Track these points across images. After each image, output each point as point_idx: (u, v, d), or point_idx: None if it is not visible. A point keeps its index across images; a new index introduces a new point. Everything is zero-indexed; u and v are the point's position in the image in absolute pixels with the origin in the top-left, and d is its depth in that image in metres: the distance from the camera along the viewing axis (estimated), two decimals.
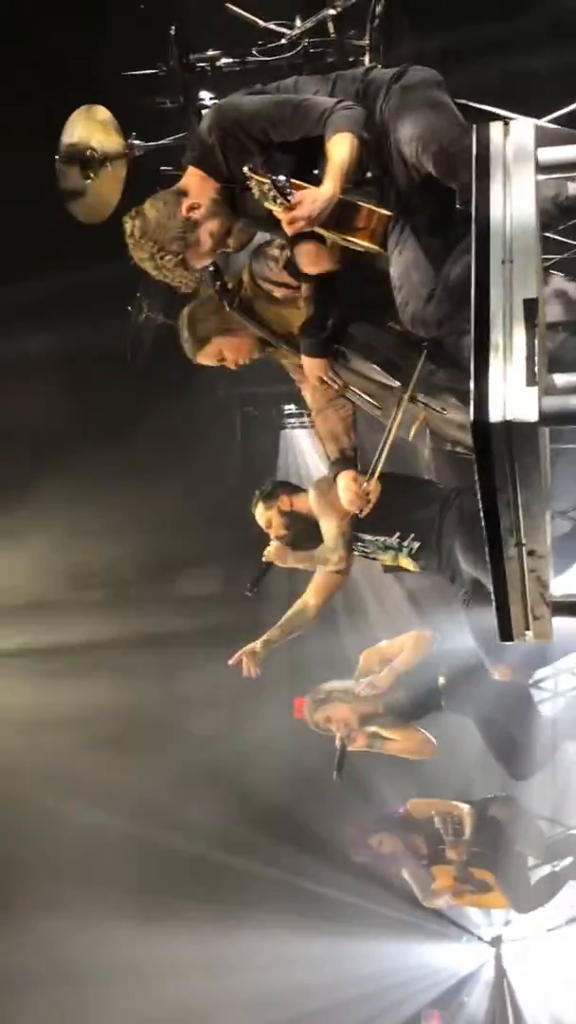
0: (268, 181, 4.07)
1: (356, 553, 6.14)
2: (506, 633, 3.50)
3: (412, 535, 5.98)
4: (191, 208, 4.41)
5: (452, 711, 7.19)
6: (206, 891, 8.80)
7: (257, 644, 6.21)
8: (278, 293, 5.27)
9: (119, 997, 8.72)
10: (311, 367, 5.19)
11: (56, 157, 6.00)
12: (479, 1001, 9.13)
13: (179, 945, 8.67)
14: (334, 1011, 8.92)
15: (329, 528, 5.90)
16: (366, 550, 6.13)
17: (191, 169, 4.50)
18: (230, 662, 6.22)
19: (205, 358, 5.57)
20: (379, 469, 5.37)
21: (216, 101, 6.24)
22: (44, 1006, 8.53)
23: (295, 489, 6.33)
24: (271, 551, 6.09)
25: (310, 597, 6.23)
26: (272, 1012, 8.80)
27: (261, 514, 6.22)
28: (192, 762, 9.08)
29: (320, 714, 7.03)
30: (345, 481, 5.45)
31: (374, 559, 6.24)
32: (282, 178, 4.08)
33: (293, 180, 4.16)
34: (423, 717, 7.19)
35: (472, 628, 6.17)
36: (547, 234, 4.89)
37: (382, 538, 6.02)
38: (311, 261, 4.87)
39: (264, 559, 6.10)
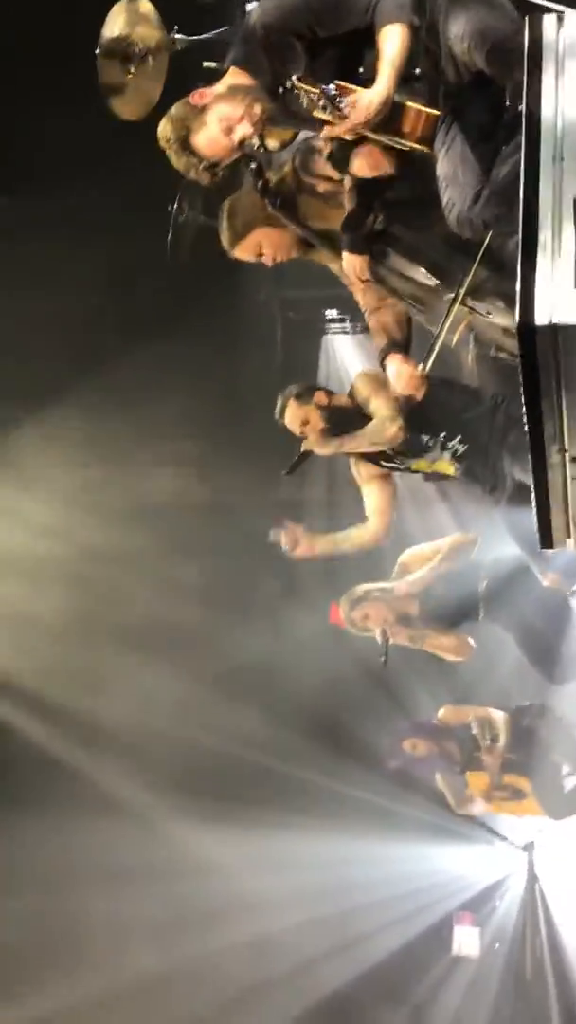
0: (318, 91, 3.98)
1: (390, 464, 6.08)
2: (547, 540, 3.47)
3: (459, 436, 5.91)
4: (200, 95, 4.31)
5: (490, 621, 7.17)
6: (234, 791, 8.91)
7: (303, 529, 6.13)
8: (321, 187, 5.18)
9: (168, 893, 8.94)
10: (351, 264, 5.10)
11: (96, 51, 5.88)
12: (511, 905, 9.22)
13: (206, 844, 8.87)
14: (368, 910, 9.08)
15: (385, 401, 5.79)
16: (404, 456, 6.05)
17: (233, 69, 4.40)
18: (272, 537, 6.14)
19: (243, 251, 5.47)
20: (431, 360, 5.28)
21: None
22: (100, 900, 8.83)
23: (329, 392, 6.23)
24: (310, 439, 5.96)
25: (374, 519, 6.13)
26: (308, 911, 8.99)
27: (294, 414, 6.04)
28: (230, 667, 9.15)
29: (357, 612, 6.99)
30: (397, 364, 5.39)
31: (407, 469, 6.16)
32: (331, 87, 3.99)
33: (340, 83, 4.07)
34: (459, 624, 7.18)
35: (516, 535, 6.13)
36: None
37: (426, 436, 5.94)
38: (370, 165, 4.75)
39: (303, 447, 5.99)
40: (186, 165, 4.44)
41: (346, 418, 5.97)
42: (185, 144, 4.35)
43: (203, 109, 4.31)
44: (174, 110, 4.42)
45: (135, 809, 8.80)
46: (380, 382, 5.76)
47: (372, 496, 6.21)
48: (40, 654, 8.84)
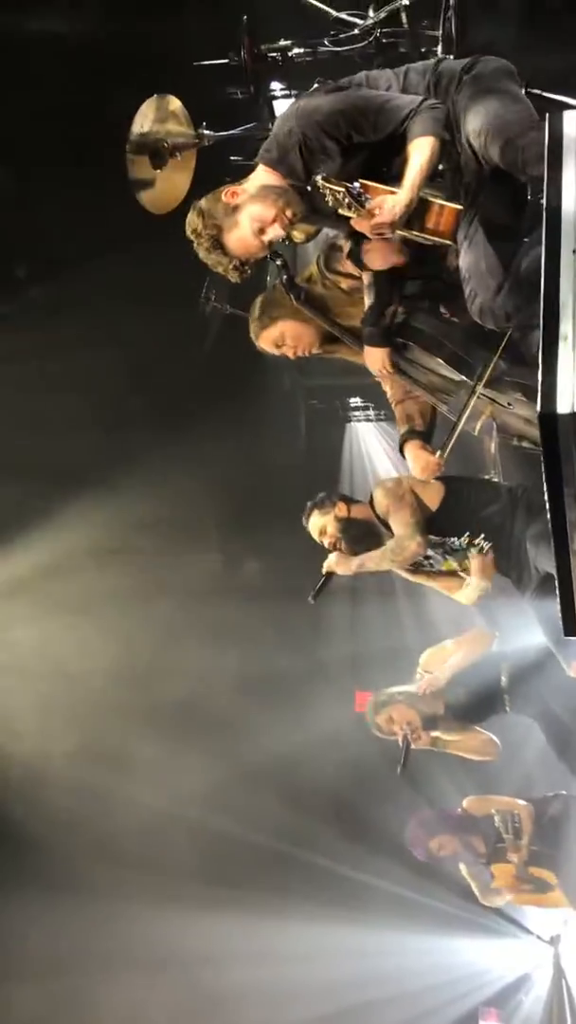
0: (343, 190, 4.06)
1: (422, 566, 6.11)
2: (571, 627, 3.47)
3: (483, 534, 5.94)
4: (232, 194, 4.39)
5: (516, 712, 7.14)
6: (263, 880, 8.83)
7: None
8: (345, 284, 5.26)
9: (173, 983, 8.82)
10: (371, 357, 5.18)
11: (126, 147, 6.00)
12: (537, 1000, 9.04)
13: (235, 933, 8.72)
14: (392, 1004, 8.92)
15: (403, 518, 5.85)
16: (430, 558, 6.09)
17: (262, 167, 4.48)
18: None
19: (266, 342, 5.54)
20: (449, 448, 5.35)
21: (287, 95, 6.23)
22: (117, 987, 8.72)
23: (351, 499, 6.30)
24: (332, 560, 6.05)
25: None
26: (329, 1003, 8.84)
27: (315, 523, 6.16)
28: (254, 752, 9.11)
29: (382, 716, 6.99)
30: (415, 450, 5.47)
31: (437, 572, 6.20)
32: (356, 186, 4.07)
33: (366, 182, 4.15)
34: (486, 719, 7.15)
35: (543, 624, 6.12)
36: None
37: (451, 539, 5.99)
38: (381, 259, 4.85)
39: (325, 569, 6.07)
40: (215, 262, 4.52)
41: (366, 531, 6.05)
42: (217, 243, 4.42)
43: (235, 209, 4.39)
44: (205, 204, 4.48)
45: (155, 896, 8.71)
46: (399, 495, 5.86)
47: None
48: (69, 738, 8.83)
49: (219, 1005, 8.80)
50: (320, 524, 6.13)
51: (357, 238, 4.71)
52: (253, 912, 8.61)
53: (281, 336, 5.51)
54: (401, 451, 5.63)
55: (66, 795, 8.78)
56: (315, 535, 6.17)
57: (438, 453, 5.44)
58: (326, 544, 6.11)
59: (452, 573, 6.19)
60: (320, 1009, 8.81)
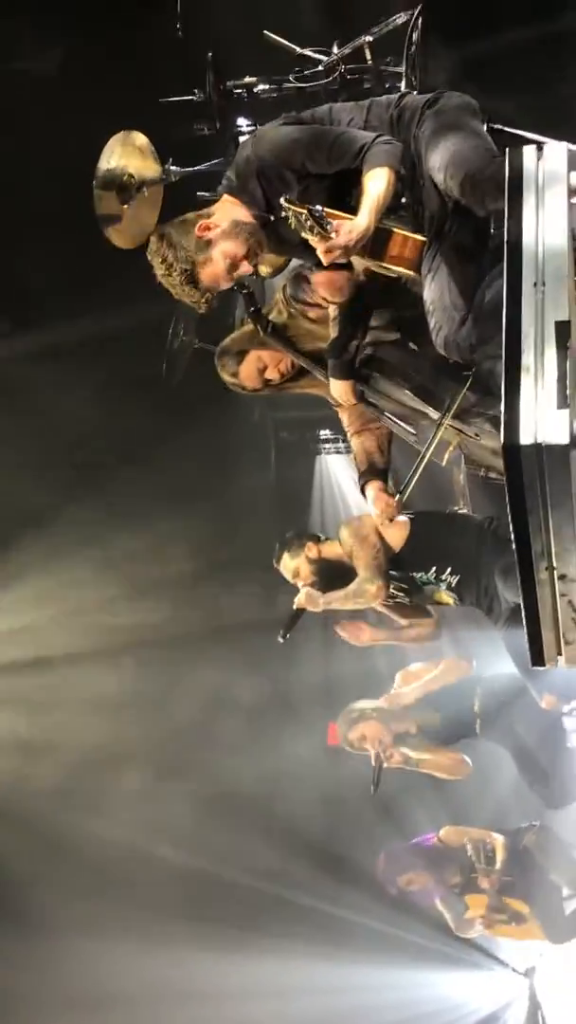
0: (305, 211, 4.10)
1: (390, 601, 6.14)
2: (538, 658, 3.48)
3: (449, 568, 5.97)
4: (206, 228, 4.42)
5: (486, 739, 7.15)
6: (237, 916, 8.77)
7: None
8: (312, 314, 5.30)
9: (163, 1020, 8.71)
10: (337, 389, 5.22)
11: (93, 183, 6.03)
12: None
13: (206, 971, 8.65)
14: None
15: (364, 561, 5.90)
16: (399, 593, 6.12)
17: (225, 197, 4.52)
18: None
19: (248, 377, 5.60)
20: (411, 487, 5.39)
21: (253, 131, 6.29)
22: None
23: (320, 539, 6.33)
24: (302, 597, 6.08)
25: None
26: None
27: (287, 565, 6.21)
28: (225, 787, 9.07)
29: (354, 733, 6.99)
30: (375, 491, 5.51)
31: (407, 606, 6.24)
32: (319, 208, 4.11)
33: (328, 210, 4.18)
34: (456, 742, 7.16)
35: (513, 656, 6.15)
36: None
37: (419, 574, 6.01)
38: (331, 291, 4.92)
39: (295, 606, 6.09)
40: (186, 295, 4.54)
41: (335, 571, 6.08)
42: (190, 277, 4.45)
43: (208, 243, 4.42)
44: (175, 235, 4.49)
45: (132, 935, 8.62)
46: (362, 535, 5.90)
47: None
48: (40, 778, 8.78)
49: None
50: (293, 567, 6.18)
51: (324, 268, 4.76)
52: (228, 948, 8.54)
53: (260, 362, 5.57)
54: (362, 491, 5.66)
55: (35, 828, 8.72)
56: (288, 577, 6.21)
57: (397, 496, 5.48)
58: (300, 586, 6.13)
59: (419, 608, 6.23)
60: None
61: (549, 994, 8.80)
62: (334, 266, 4.52)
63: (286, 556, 6.20)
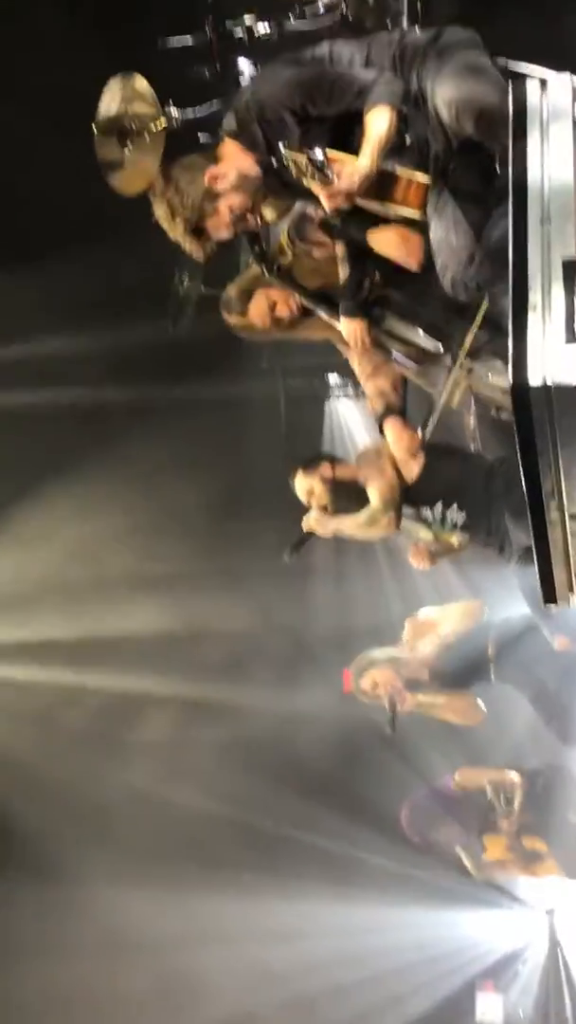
0: (305, 157, 4.06)
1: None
2: (550, 596, 3.47)
3: (455, 504, 5.92)
4: (214, 178, 4.39)
5: (500, 681, 7.16)
6: (254, 860, 8.84)
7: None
8: (317, 253, 5.25)
9: (180, 963, 8.81)
10: (349, 330, 5.17)
11: (93, 127, 5.96)
12: (533, 971, 9.08)
13: (223, 915, 8.73)
14: (386, 979, 8.91)
15: (378, 491, 5.84)
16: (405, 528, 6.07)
17: (228, 140, 4.48)
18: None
19: (257, 311, 5.53)
20: (433, 423, 5.35)
21: (254, 73, 6.22)
22: (89, 972, 8.67)
23: (336, 459, 6.26)
24: (311, 520, 6.01)
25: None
26: (325, 978, 8.85)
27: (301, 483, 6.08)
28: (245, 733, 9.12)
29: (366, 680, 7.00)
30: (396, 429, 5.46)
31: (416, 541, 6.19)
32: (318, 153, 4.07)
33: (331, 151, 4.14)
34: (470, 686, 7.16)
35: (525, 595, 6.14)
36: None
37: (425, 509, 5.96)
38: (400, 251, 4.82)
39: (304, 527, 6.03)
40: (188, 243, 4.51)
41: (350, 494, 6.00)
42: (195, 227, 4.43)
43: (215, 195, 4.39)
44: (183, 181, 4.47)
45: (149, 880, 8.70)
46: (379, 466, 5.80)
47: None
48: (41, 721, 8.86)
49: (216, 986, 8.80)
50: (307, 485, 6.02)
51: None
52: (246, 891, 8.63)
53: (270, 299, 5.51)
54: (380, 430, 5.62)
55: (44, 773, 8.79)
56: (302, 496, 6.07)
57: (419, 430, 5.45)
58: (313, 505, 6.05)
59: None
60: (314, 986, 8.82)
61: (569, 933, 8.89)
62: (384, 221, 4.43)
63: (300, 474, 6.02)
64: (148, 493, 8.81)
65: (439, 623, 7.21)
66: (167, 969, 8.73)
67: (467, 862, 7.78)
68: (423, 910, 8.91)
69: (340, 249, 5.01)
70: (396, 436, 5.46)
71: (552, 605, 3.51)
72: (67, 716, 9.01)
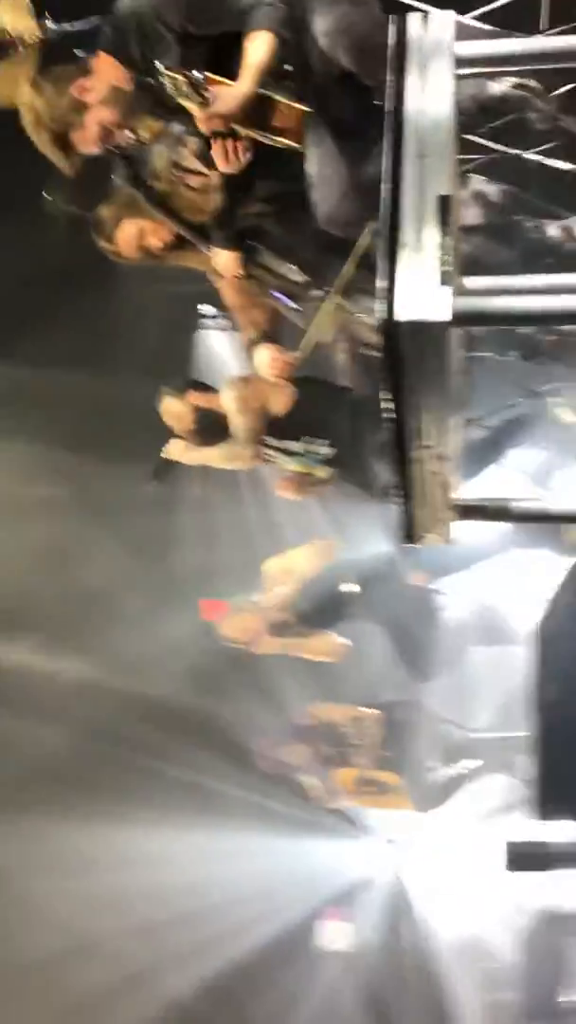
0: (183, 77, 3.98)
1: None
2: (408, 535, 3.48)
3: (322, 438, 5.94)
4: (83, 90, 4.29)
5: (361, 619, 7.24)
6: (104, 786, 8.81)
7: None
8: (193, 182, 5.17)
9: (23, 891, 8.77)
10: (221, 260, 5.12)
11: None
12: (377, 899, 9.28)
13: (77, 841, 8.70)
14: (229, 907, 8.96)
15: (241, 424, 5.83)
16: (271, 458, 6.08)
17: (102, 55, 4.38)
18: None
19: (124, 241, 5.41)
20: (308, 348, 5.35)
21: None
22: None
23: (206, 387, 6.22)
24: (173, 448, 5.98)
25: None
26: (172, 907, 8.88)
27: (169, 408, 6.06)
28: (98, 661, 9.07)
29: (229, 627, 7.03)
30: (269, 352, 5.44)
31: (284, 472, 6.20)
32: (199, 74, 4.00)
33: (209, 75, 4.07)
34: (334, 625, 7.25)
35: (387, 534, 6.20)
36: (469, 136, 4.83)
37: (288, 442, 5.97)
38: (226, 158, 4.77)
39: (164, 456, 6.00)
40: (54, 155, 4.41)
41: (214, 426, 5.98)
42: (60, 139, 4.33)
43: (83, 107, 4.28)
44: (50, 91, 4.36)
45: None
46: (244, 396, 5.78)
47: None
48: None
49: (37, 914, 8.76)
50: (176, 411, 6.00)
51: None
52: (92, 818, 8.60)
53: (139, 231, 5.40)
54: (250, 355, 5.59)
55: None
56: (170, 421, 6.06)
57: (291, 354, 5.44)
58: (179, 431, 6.02)
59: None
60: (160, 913, 8.86)
61: (414, 863, 9.09)
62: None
63: (169, 399, 6.04)
64: (10, 420, 8.65)
65: (293, 566, 7.27)
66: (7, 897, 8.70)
67: (315, 791, 7.91)
68: (271, 838, 8.99)
69: (215, 178, 4.94)
70: (267, 360, 5.44)
71: (411, 544, 3.52)
72: None
